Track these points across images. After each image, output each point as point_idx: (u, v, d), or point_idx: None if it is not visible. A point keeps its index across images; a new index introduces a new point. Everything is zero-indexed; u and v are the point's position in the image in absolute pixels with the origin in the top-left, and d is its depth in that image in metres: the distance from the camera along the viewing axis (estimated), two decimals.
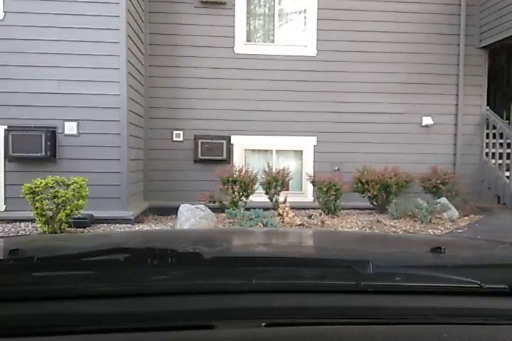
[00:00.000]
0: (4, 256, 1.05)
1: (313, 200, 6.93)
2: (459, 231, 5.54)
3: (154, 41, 6.98)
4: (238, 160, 7.08)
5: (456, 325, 0.71)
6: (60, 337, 0.67)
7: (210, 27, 7.04)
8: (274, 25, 7.39)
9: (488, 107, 7.65)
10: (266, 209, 5.62)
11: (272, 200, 6.13)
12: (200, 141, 6.97)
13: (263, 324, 0.70)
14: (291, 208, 5.73)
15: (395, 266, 0.90)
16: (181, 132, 7.06)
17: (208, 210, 5.49)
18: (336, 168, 7.18)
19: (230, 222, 5.52)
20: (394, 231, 5.31)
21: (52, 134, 5.55)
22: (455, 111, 7.53)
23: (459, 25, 7.45)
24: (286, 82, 7.14)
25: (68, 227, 4.93)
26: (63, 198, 4.64)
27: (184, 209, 5.38)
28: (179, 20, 7.02)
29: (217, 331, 0.69)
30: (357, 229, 5.54)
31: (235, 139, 7.15)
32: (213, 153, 6.97)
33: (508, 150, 7.33)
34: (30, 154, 5.49)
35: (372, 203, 6.62)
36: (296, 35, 7.42)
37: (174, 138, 7.07)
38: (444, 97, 7.49)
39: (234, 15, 7.11)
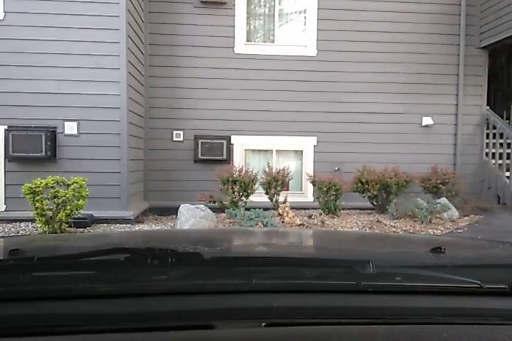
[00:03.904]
0: (4, 256, 1.05)
1: (314, 200, 6.92)
2: (459, 231, 5.54)
3: (154, 41, 6.98)
4: (238, 160, 7.08)
5: (456, 324, 0.71)
6: (60, 337, 0.67)
7: (210, 27, 7.04)
8: (274, 25, 7.39)
9: (488, 107, 7.65)
10: (266, 209, 5.62)
11: (272, 200, 6.13)
12: (200, 141, 6.97)
13: (263, 324, 0.70)
14: (291, 208, 5.73)
15: (395, 266, 0.90)
16: (181, 132, 7.06)
17: (208, 210, 5.49)
18: (336, 168, 7.18)
19: (230, 222, 5.51)
20: (394, 231, 5.31)
21: (52, 134, 5.55)
22: (455, 111, 7.53)
23: (459, 25, 7.45)
24: (287, 82, 7.14)
25: (68, 227, 4.93)
26: (63, 198, 4.64)
27: (184, 209, 5.38)
28: (179, 20, 7.02)
29: (217, 331, 0.69)
30: (357, 229, 5.54)
31: (235, 139, 7.15)
32: (213, 153, 6.97)
33: (508, 150, 7.32)
34: (31, 154, 5.49)
35: (372, 203, 6.61)
36: (296, 35, 7.42)
37: (174, 138, 7.07)
38: (444, 97, 7.49)
39: (234, 15, 7.11)
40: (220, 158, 6.98)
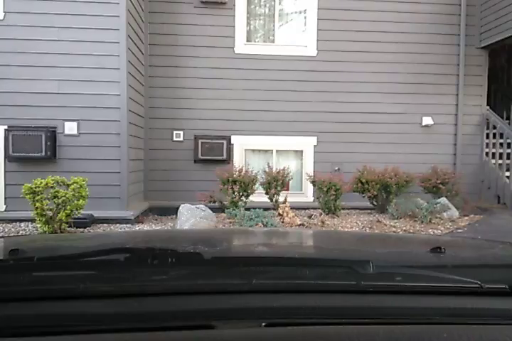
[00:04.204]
0: (4, 256, 1.05)
1: (314, 200, 6.92)
2: (459, 231, 5.54)
3: (154, 41, 6.98)
4: (238, 160, 7.08)
5: (456, 325, 0.71)
6: (60, 337, 0.67)
7: (211, 27, 7.04)
8: (274, 25, 7.39)
9: (488, 107, 7.65)
10: (266, 209, 5.62)
11: (272, 200, 6.13)
12: (200, 141, 6.97)
13: (263, 324, 0.70)
14: (292, 208, 5.73)
15: (395, 266, 0.90)
16: (181, 132, 7.06)
17: (208, 210, 5.49)
18: (336, 168, 7.18)
19: (230, 222, 5.52)
20: (394, 231, 5.31)
21: (52, 134, 5.55)
22: (455, 111, 7.53)
23: (459, 25, 7.45)
24: (287, 82, 7.14)
25: (68, 227, 4.93)
26: (63, 198, 4.64)
27: (184, 209, 5.38)
28: (179, 20, 7.02)
29: (217, 331, 0.69)
30: (357, 229, 5.54)
31: (235, 139, 7.15)
32: (213, 153, 6.97)
33: (508, 150, 7.32)
34: (31, 154, 5.49)
35: (372, 203, 6.61)
36: (297, 35, 7.42)
37: (174, 138, 7.07)
38: (444, 97, 7.49)
39: (234, 15, 7.11)
40: (220, 158, 6.98)
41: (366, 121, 7.28)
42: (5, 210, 5.55)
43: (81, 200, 4.77)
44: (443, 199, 6.24)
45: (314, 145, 7.30)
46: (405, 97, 7.38)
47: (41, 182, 4.68)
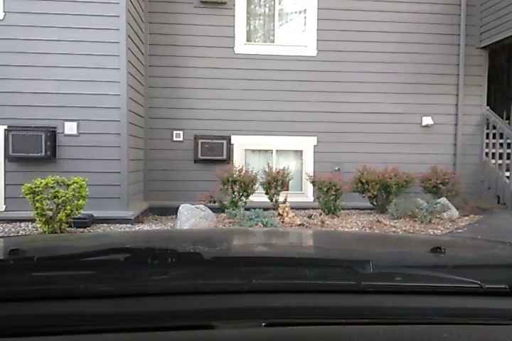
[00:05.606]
0: (4, 256, 1.05)
1: (314, 200, 6.92)
2: (459, 231, 5.54)
3: (154, 41, 6.98)
4: (238, 160, 7.08)
5: (456, 325, 0.71)
6: (60, 337, 0.67)
7: (210, 27, 7.04)
8: (274, 25, 7.39)
9: (488, 107, 7.65)
10: (266, 209, 5.62)
11: (272, 200, 6.13)
12: (200, 141, 6.97)
13: (263, 324, 0.70)
14: (291, 208, 5.73)
15: (395, 266, 0.90)
16: (181, 132, 7.06)
17: (208, 210, 5.49)
18: (336, 168, 7.18)
19: (230, 222, 5.51)
20: (394, 231, 5.31)
21: (52, 134, 5.55)
22: (455, 111, 7.53)
23: (459, 25, 7.45)
24: (287, 82, 7.14)
25: (68, 227, 4.93)
26: (63, 198, 4.64)
27: (184, 209, 5.38)
28: (179, 20, 7.02)
29: (217, 331, 0.69)
30: (357, 229, 5.54)
31: (235, 139, 7.15)
32: (213, 153, 6.97)
33: (508, 150, 7.32)
34: (30, 154, 5.49)
35: (372, 203, 6.61)
36: (296, 35, 7.42)
37: (174, 138, 7.07)
38: (444, 97, 7.49)
39: (234, 15, 7.11)
40: (220, 158, 6.98)
41: (366, 121, 7.28)
42: (5, 210, 5.55)
43: (81, 200, 4.77)
44: (443, 200, 6.24)
45: (314, 145, 7.30)
46: (405, 97, 7.38)
47: (41, 182, 4.67)
